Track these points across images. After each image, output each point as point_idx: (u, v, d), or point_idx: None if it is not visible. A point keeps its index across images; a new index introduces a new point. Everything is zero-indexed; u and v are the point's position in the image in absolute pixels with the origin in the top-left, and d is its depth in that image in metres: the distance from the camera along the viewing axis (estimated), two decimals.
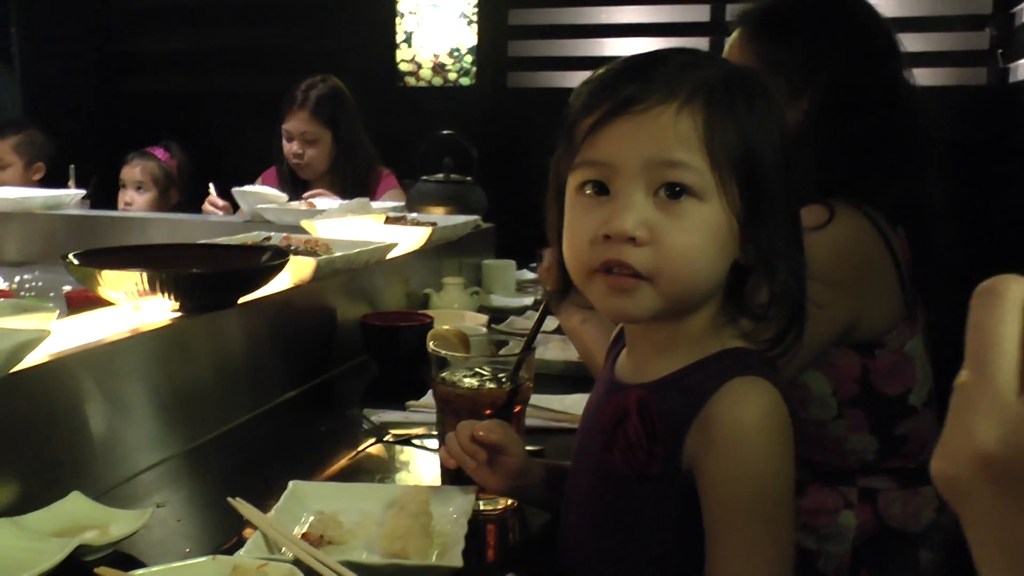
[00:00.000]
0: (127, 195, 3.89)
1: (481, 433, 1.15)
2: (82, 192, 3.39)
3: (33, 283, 2.50)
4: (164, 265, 1.53)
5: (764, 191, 0.94)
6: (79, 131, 4.71)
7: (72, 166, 3.66)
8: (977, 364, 0.43)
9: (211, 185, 3.47)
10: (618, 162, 0.92)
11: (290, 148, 3.49)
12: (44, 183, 3.86)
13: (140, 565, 1.02)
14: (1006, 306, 0.42)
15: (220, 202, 3.43)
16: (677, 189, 0.91)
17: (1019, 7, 3.48)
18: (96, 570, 0.92)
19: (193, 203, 3.81)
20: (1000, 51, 3.62)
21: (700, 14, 4.04)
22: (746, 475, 0.91)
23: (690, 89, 0.92)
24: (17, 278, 2.51)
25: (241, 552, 1.02)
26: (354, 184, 3.45)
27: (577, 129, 0.96)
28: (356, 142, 3.54)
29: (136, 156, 3.93)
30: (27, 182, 3.89)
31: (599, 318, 1.57)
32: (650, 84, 0.92)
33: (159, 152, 3.97)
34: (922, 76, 3.50)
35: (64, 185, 3.50)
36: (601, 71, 0.98)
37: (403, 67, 4.34)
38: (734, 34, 1.64)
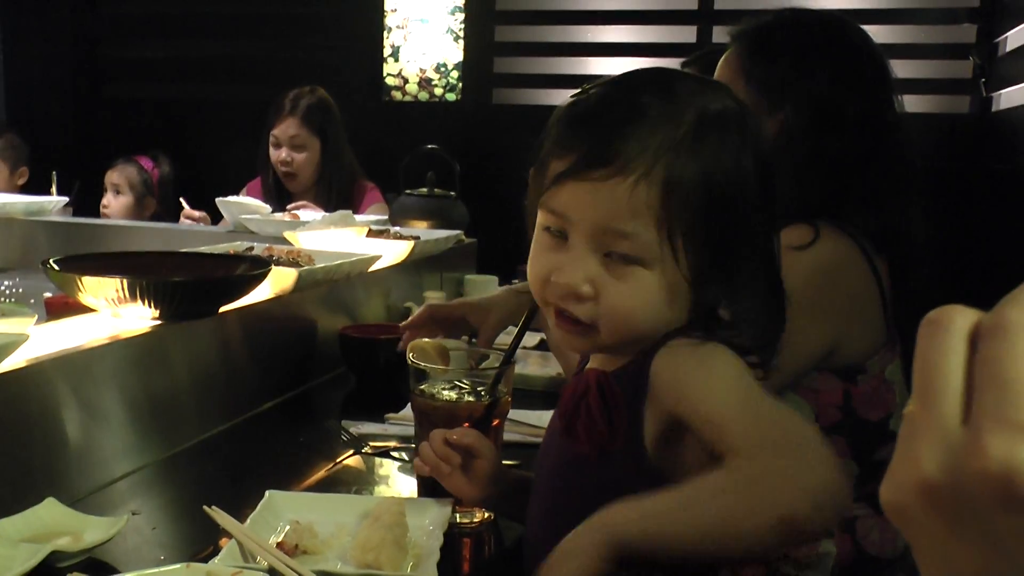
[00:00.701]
0: (105, 198, 3.89)
1: (454, 437, 1.17)
2: (65, 199, 3.38)
3: (13, 289, 2.49)
4: (145, 273, 1.53)
5: (729, 236, 0.97)
6: (62, 137, 4.70)
7: (54, 172, 3.65)
8: (923, 394, 0.43)
9: (182, 200, 3.47)
10: (574, 219, 0.97)
11: (278, 155, 3.47)
12: (27, 188, 3.85)
13: (114, 572, 1.02)
14: (951, 337, 0.43)
15: (196, 214, 3.43)
16: (626, 257, 0.96)
17: (1002, 36, 3.52)
18: (69, 575, 0.92)
19: (172, 216, 3.81)
20: (983, 80, 3.66)
21: (687, 35, 4.06)
22: (714, 390, 0.93)
23: (654, 156, 0.93)
24: None
25: (215, 560, 1.02)
26: (338, 197, 3.45)
27: (548, 167, 0.99)
28: (342, 154, 3.53)
29: (120, 161, 3.94)
30: (11, 187, 3.89)
31: None
32: (618, 147, 0.94)
33: (145, 161, 3.97)
34: (905, 103, 3.55)
35: (46, 189, 3.49)
36: (583, 98, 1.00)
37: (389, 81, 4.35)
38: (727, 51, 1.66)
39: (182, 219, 3.46)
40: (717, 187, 0.95)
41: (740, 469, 0.88)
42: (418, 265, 2.56)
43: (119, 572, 1.01)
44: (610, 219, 0.94)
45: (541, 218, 1.01)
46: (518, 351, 1.33)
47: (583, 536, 0.92)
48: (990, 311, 0.42)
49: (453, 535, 1.19)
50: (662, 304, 0.97)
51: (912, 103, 3.84)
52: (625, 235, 0.94)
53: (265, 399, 1.77)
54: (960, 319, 0.43)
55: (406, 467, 1.48)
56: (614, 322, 0.97)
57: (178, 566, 0.96)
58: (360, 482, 1.44)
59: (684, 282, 0.96)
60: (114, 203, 3.88)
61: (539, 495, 1.11)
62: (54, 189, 3.56)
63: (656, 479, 0.95)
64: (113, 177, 3.90)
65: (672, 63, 3.91)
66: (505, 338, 2.24)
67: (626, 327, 0.98)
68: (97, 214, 3.86)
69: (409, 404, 1.42)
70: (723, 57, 1.66)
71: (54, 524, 1.11)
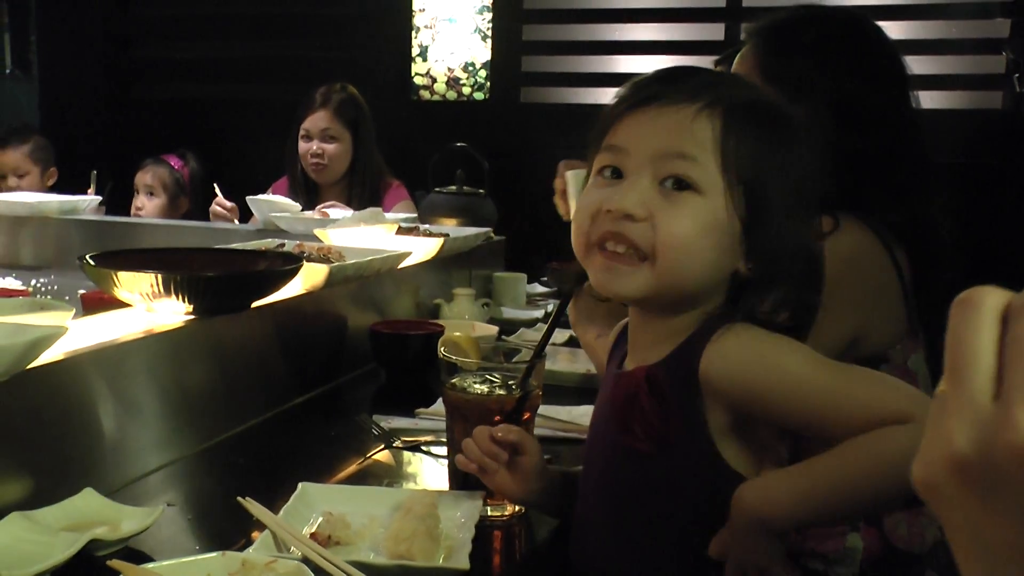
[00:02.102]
0: (138, 200, 3.92)
1: (499, 434, 1.17)
2: (98, 198, 3.41)
3: (48, 286, 2.51)
4: (178, 268, 1.55)
5: (768, 211, 0.98)
6: (95, 138, 4.75)
7: (94, 172, 3.70)
8: (954, 373, 0.44)
9: (216, 187, 3.48)
10: (632, 148, 0.99)
11: (308, 148, 3.46)
12: (57, 189, 3.89)
13: (150, 561, 1.03)
14: (983, 316, 0.43)
15: (228, 204, 3.44)
16: (681, 183, 0.97)
17: None
18: (108, 562, 0.93)
19: (204, 213, 3.83)
20: (1016, 75, 3.62)
21: (715, 33, 4.05)
22: (800, 377, 0.95)
23: (713, 97, 0.98)
24: (33, 281, 2.53)
25: (250, 550, 1.03)
26: (367, 193, 3.45)
27: (608, 118, 1.03)
28: (372, 151, 3.54)
29: (150, 162, 3.97)
30: (41, 189, 3.93)
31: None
32: (679, 85, 0.99)
33: (173, 160, 4.00)
34: (937, 99, 3.53)
35: (75, 190, 3.52)
36: (637, 78, 1.06)
37: (417, 81, 4.36)
38: (744, 48, 1.67)
39: (213, 207, 3.46)
40: (767, 151, 0.99)
41: (896, 431, 0.88)
42: (447, 262, 2.57)
43: (156, 561, 1.02)
44: (671, 141, 0.97)
45: (597, 163, 1.03)
46: (547, 347, 1.33)
47: (743, 534, 0.94)
48: (1022, 291, 0.43)
49: (484, 527, 1.20)
50: (715, 240, 0.97)
51: (945, 99, 3.83)
52: (684, 155, 0.97)
53: (296, 394, 1.78)
54: (991, 299, 0.44)
55: (436, 461, 1.48)
56: (670, 248, 0.96)
57: (214, 554, 0.98)
58: (391, 476, 1.44)
59: (737, 224, 0.98)
60: (148, 204, 3.90)
61: (593, 491, 1.11)
62: (92, 188, 3.60)
63: (724, 468, 0.97)
64: (145, 179, 3.92)
65: (701, 61, 3.89)
66: (535, 334, 2.25)
67: (683, 254, 0.97)
68: (128, 213, 3.89)
69: (439, 399, 1.43)
70: (740, 53, 1.68)
71: (92, 514, 1.13)
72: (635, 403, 1.00)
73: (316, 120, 3.46)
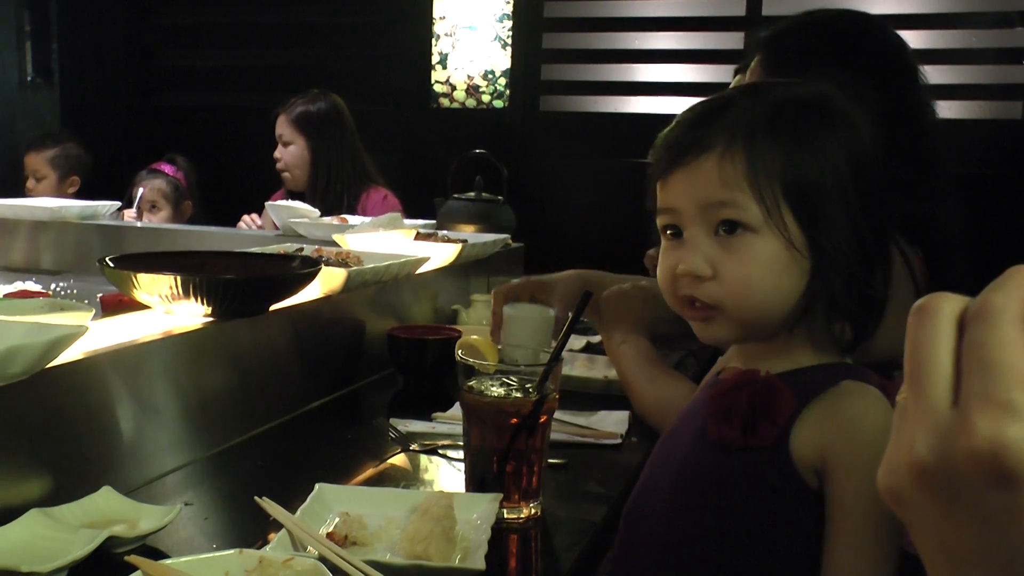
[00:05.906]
0: (144, 217, 3.92)
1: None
2: (118, 204, 3.43)
3: (68, 290, 2.53)
4: (198, 271, 1.56)
5: (821, 216, 1.02)
6: (116, 145, 4.78)
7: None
8: (914, 380, 0.44)
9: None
10: (679, 208, 1.06)
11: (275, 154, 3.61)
12: (79, 197, 3.91)
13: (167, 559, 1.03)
14: (940, 323, 0.44)
15: (259, 222, 3.50)
16: (732, 225, 1.02)
17: None
18: (127, 558, 0.94)
19: (206, 213, 3.88)
20: None
21: (734, 41, 4.05)
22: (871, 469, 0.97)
23: (730, 134, 1.02)
24: (53, 285, 2.55)
25: (267, 549, 1.03)
26: (327, 198, 3.47)
27: (654, 176, 1.10)
28: (338, 158, 3.56)
29: (145, 176, 3.96)
30: (62, 195, 3.95)
31: (635, 341, 1.63)
32: (699, 137, 1.05)
33: (166, 168, 4.00)
34: (957, 109, 3.51)
35: (99, 198, 3.54)
36: (672, 124, 1.11)
37: (437, 88, 4.38)
38: (753, 61, 1.72)
39: (245, 218, 3.52)
40: (801, 161, 1.01)
41: None
42: (465, 268, 2.57)
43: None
44: (708, 193, 1.03)
45: (659, 224, 1.10)
46: (564, 353, 1.33)
47: None
48: (976, 297, 0.43)
49: (500, 530, 1.20)
50: (778, 271, 1.02)
51: (964, 109, 3.81)
52: (724, 203, 1.02)
53: (314, 397, 1.78)
54: (948, 306, 0.44)
55: (453, 464, 1.49)
56: (735, 295, 1.03)
57: (231, 551, 0.98)
58: (408, 479, 1.44)
59: (795, 248, 1.02)
60: (155, 219, 3.88)
61: (665, 476, 1.14)
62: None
63: (791, 484, 1.00)
64: (146, 195, 3.90)
65: (720, 69, 3.91)
66: (552, 341, 2.25)
67: (747, 298, 1.03)
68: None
69: (456, 403, 1.43)
70: (751, 66, 1.73)
71: (110, 512, 1.14)
72: (746, 392, 1.03)
73: (277, 127, 3.61)
